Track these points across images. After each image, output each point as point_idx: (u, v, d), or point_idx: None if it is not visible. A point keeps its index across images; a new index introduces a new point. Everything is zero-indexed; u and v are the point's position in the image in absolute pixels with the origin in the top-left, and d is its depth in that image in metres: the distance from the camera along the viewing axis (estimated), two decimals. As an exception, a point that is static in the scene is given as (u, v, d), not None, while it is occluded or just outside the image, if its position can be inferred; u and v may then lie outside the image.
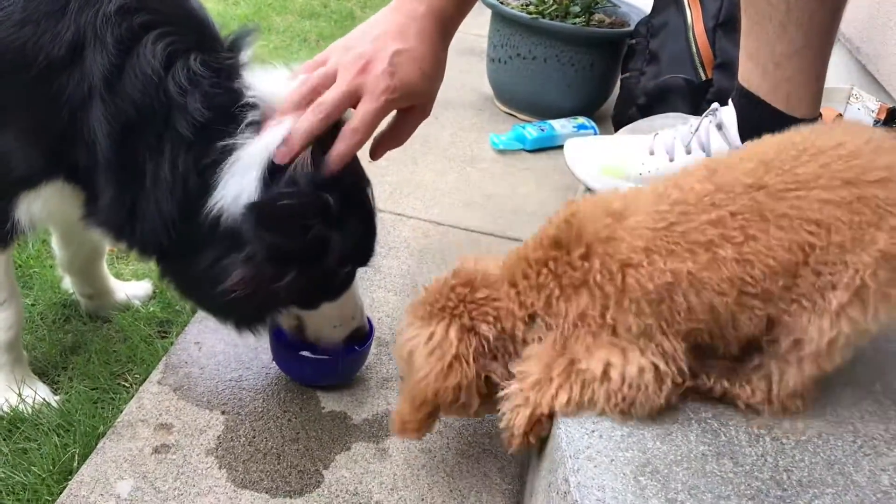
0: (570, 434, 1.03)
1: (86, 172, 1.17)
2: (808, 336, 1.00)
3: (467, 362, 1.11)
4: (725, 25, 2.44)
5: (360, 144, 1.19)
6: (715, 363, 1.10)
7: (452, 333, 1.12)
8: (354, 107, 1.18)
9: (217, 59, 1.15)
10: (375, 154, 1.30)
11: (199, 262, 1.19)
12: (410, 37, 1.19)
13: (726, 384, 1.08)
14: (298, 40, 3.57)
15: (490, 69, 2.90)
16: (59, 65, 1.09)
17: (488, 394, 1.15)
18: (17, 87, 1.12)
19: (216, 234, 1.15)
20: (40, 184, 1.20)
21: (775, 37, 1.43)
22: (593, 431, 1.03)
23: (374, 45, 1.17)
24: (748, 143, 1.12)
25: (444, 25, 1.23)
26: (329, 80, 1.18)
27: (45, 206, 1.23)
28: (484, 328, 1.12)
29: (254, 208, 1.11)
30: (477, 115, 2.85)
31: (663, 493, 0.94)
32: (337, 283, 1.31)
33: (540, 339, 1.10)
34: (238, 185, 1.13)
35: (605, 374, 1.03)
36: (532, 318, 1.11)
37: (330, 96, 1.16)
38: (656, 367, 1.03)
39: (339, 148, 1.17)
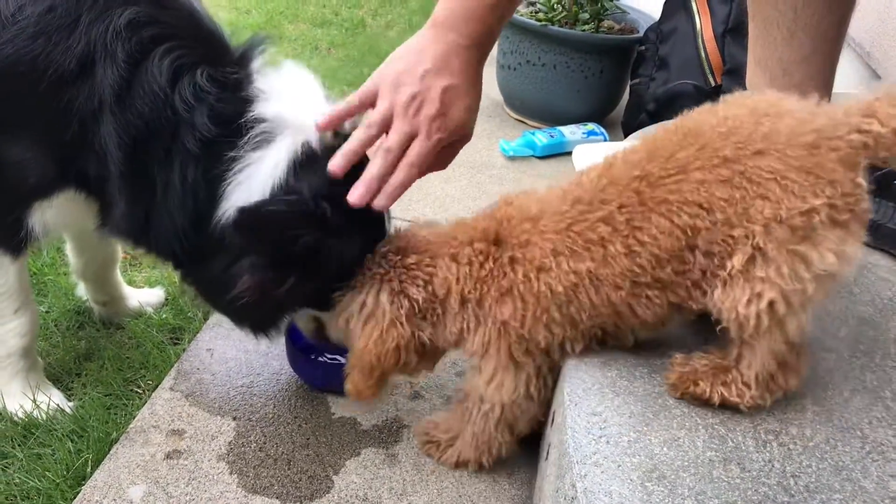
0: (577, 440, 1.03)
1: (98, 182, 1.19)
2: (739, 313, 1.02)
3: (401, 324, 1.18)
4: (734, 31, 2.44)
5: (415, 177, 1.25)
6: (707, 366, 1.11)
7: (383, 298, 1.19)
8: (412, 142, 1.23)
9: (224, 72, 1.17)
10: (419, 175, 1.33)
11: (211, 268, 1.22)
12: (455, 72, 1.23)
13: (723, 391, 1.09)
14: (310, 48, 3.59)
15: (500, 76, 2.92)
16: (70, 77, 1.11)
17: (423, 352, 1.23)
18: (29, 98, 1.14)
19: (225, 242, 1.17)
20: (53, 193, 1.22)
21: (783, 43, 1.43)
22: (600, 437, 1.03)
23: (422, 83, 1.21)
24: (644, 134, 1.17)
25: (484, 52, 1.28)
26: (387, 123, 1.22)
27: (59, 215, 1.25)
28: (413, 291, 1.19)
29: (239, 214, 1.13)
30: (487, 121, 2.86)
31: (670, 498, 0.95)
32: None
33: (467, 327, 1.19)
34: (245, 195, 1.14)
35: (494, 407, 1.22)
36: (465, 303, 1.18)
37: (394, 143, 1.21)
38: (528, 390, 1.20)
39: (397, 178, 1.22)
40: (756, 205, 0.99)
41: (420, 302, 1.18)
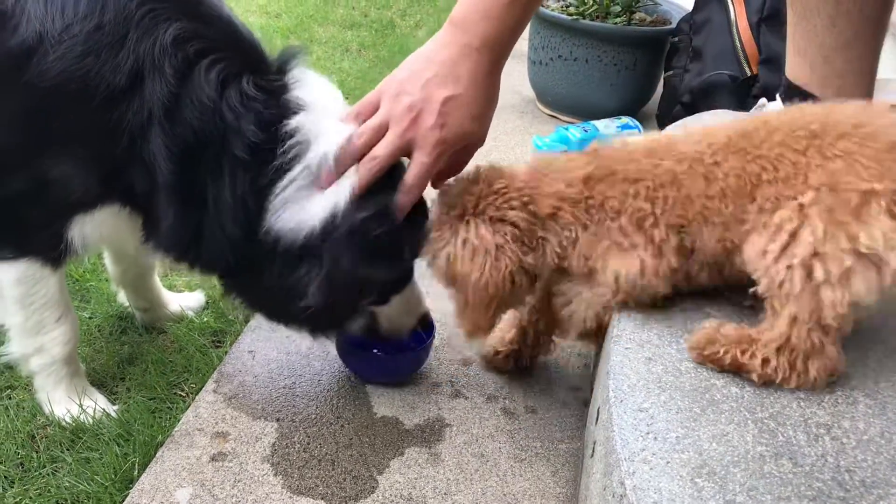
0: (624, 437, 1.02)
1: (145, 197, 1.21)
2: (770, 265, 1.06)
3: (509, 247, 1.19)
4: (769, 20, 2.40)
5: (418, 196, 1.24)
6: (733, 333, 1.13)
7: (483, 229, 1.19)
8: (407, 155, 1.22)
9: (267, 80, 1.19)
10: (436, 185, 1.32)
11: (264, 278, 1.24)
12: (461, 79, 1.19)
13: (738, 355, 1.11)
14: (341, 50, 3.60)
15: (531, 71, 2.90)
16: (120, 94, 1.13)
17: (531, 276, 1.25)
18: (79, 115, 1.15)
19: (277, 251, 1.20)
20: (95, 207, 1.24)
21: (824, 30, 1.41)
22: (648, 433, 1.02)
23: (423, 93, 1.19)
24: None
25: (498, 55, 1.23)
26: (381, 134, 1.20)
27: (99, 229, 1.27)
28: (511, 214, 1.19)
29: (348, 238, 1.18)
30: (519, 117, 2.85)
31: (721, 494, 0.93)
32: (405, 277, 1.37)
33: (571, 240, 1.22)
34: (299, 206, 1.18)
35: (616, 282, 1.20)
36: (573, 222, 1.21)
37: (382, 151, 1.20)
38: (652, 264, 1.17)
39: (399, 202, 1.22)
40: (818, 172, 1.04)
41: (520, 224, 1.19)
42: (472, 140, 1.27)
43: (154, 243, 1.27)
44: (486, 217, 1.20)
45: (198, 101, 1.14)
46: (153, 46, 1.12)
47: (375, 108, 1.23)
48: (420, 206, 1.29)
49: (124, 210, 1.26)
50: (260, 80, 1.18)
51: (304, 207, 1.18)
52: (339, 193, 1.19)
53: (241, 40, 1.23)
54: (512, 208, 1.19)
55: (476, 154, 1.34)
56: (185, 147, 1.15)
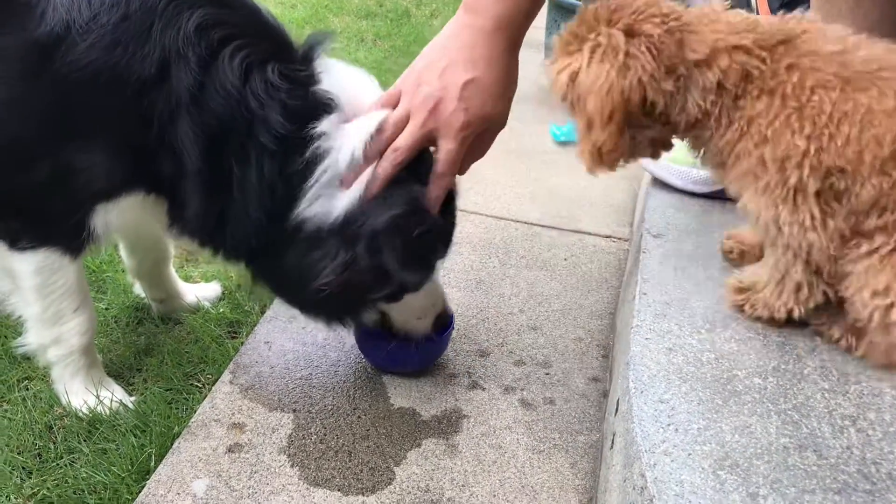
0: (645, 429, 1.00)
1: (171, 182, 1.21)
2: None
3: (643, 57, 1.08)
4: (791, 5, 2.36)
5: (450, 184, 1.24)
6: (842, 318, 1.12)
7: (615, 33, 1.08)
8: (431, 145, 1.22)
9: (293, 68, 1.19)
10: (461, 171, 1.31)
11: (284, 262, 1.25)
12: (479, 62, 1.18)
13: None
14: (356, 40, 3.59)
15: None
16: (151, 83, 1.14)
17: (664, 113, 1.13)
18: (111, 104, 1.16)
19: (299, 237, 1.21)
20: (120, 195, 1.24)
21: (849, 12, 1.38)
22: (669, 425, 1.01)
23: (441, 81, 1.18)
24: None
25: (514, 37, 1.22)
26: (402, 126, 1.20)
27: (121, 216, 1.27)
28: (649, 27, 1.08)
29: (389, 236, 1.19)
30: (537, 107, 2.82)
31: (744, 487, 0.92)
32: (422, 277, 1.35)
33: (717, 115, 1.11)
34: (326, 198, 1.18)
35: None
36: (722, 89, 1.10)
37: (403, 142, 1.19)
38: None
39: (432, 192, 1.22)
40: None
41: (657, 41, 1.08)
42: (495, 122, 1.25)
43: (179, 228, 1.28)
44: (621, 27, 1.09)
45: (222, 89, 1.14)
46: (177, 35, 1.13)
47: (398, 102, 1.22)
48: (448, 199, 1.28)
49: (149, 197, 1.26)
50: (285, 68, 1.18)
51: (330, 199, 1.19)
52: (363, 187, 1.19)
53: (266, 27, 1.23)
54: (652, 24, 1.08)
55: (494, 145, 1.33)
56: (212, 134, 1.16)
